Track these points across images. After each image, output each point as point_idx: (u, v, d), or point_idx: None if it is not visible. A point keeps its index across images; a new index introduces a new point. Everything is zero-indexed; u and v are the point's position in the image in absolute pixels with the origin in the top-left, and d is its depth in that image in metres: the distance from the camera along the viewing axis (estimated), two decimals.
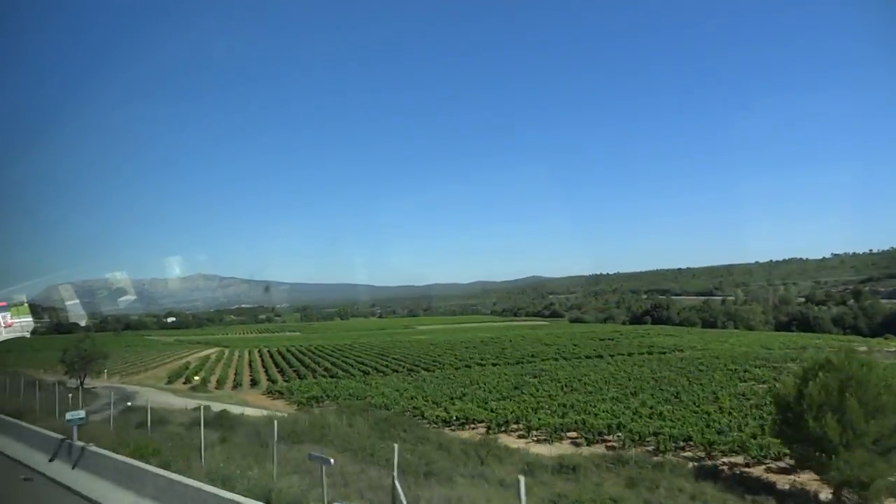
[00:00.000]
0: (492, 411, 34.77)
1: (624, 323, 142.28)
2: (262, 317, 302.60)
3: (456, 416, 33.95)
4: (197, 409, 38.83)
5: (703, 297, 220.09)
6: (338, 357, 77.61)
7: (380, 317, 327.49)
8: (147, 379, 65.01)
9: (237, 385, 57.55)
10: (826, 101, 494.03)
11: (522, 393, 41.38)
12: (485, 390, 43.23)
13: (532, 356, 68.61)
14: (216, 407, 42.04)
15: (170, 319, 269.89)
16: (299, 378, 57.73)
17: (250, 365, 73.50)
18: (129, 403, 36.87)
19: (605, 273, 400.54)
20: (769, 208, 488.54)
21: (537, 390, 42.06)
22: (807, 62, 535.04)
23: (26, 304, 69.68)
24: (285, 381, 58.63)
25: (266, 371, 65.12)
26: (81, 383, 53.78)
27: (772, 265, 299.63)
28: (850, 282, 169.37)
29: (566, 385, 44.20)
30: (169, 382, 62.35)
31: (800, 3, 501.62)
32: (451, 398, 40.42)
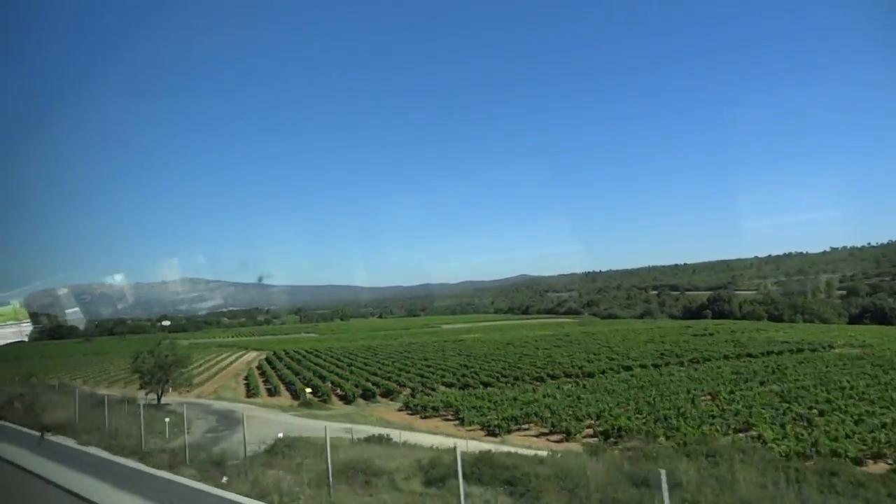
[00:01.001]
0: (834, 439, 23.80)
1: (674, 317, 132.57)
2: (261, 318, 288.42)
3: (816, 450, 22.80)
4: (376, 439, 27.24)
5: (713, 291, 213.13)
6: (423, 362, 65.69)
7: (380, 317, 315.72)
8: (223, 391, 52.14)
9: (348, 399, 45.17)
10: (814, 96, 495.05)
11: (804, 406, 30.45)
12: (740, 404, 32.12)
13: (661, 355, 58.21)
14: (370, 432, 30.47)
15: (164, 323, 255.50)
16: (426, 391, 45.81)
17: (329, 371, 60.90)
18: (280, 435, 24.80)
19: (599, 270, 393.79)
20: (762, 204, 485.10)
21: (830, 406, 31.03)
22: (803, 57, 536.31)
23: (23, 308, 60.90)
24: (399, 389, 46.80)
25: (370, 381, 52.58)
26: (159, 399, 41.57)
27: (771, 259, 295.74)
28: (885, 273, 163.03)
29: (850, 396, 33.38)
30: (251, 395, 49.87)
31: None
32: (713, 416, 29.35)
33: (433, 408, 37.14)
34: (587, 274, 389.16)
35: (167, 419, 30.24)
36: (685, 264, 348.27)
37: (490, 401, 37.03)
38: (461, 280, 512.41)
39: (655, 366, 52.11)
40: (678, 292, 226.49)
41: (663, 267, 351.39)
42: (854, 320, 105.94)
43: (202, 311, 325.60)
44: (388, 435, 27.40)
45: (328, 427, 33.49)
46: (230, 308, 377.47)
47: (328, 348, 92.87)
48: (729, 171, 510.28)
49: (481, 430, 32.32)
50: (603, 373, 49.87)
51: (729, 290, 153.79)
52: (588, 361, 55.83)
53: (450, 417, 36.15)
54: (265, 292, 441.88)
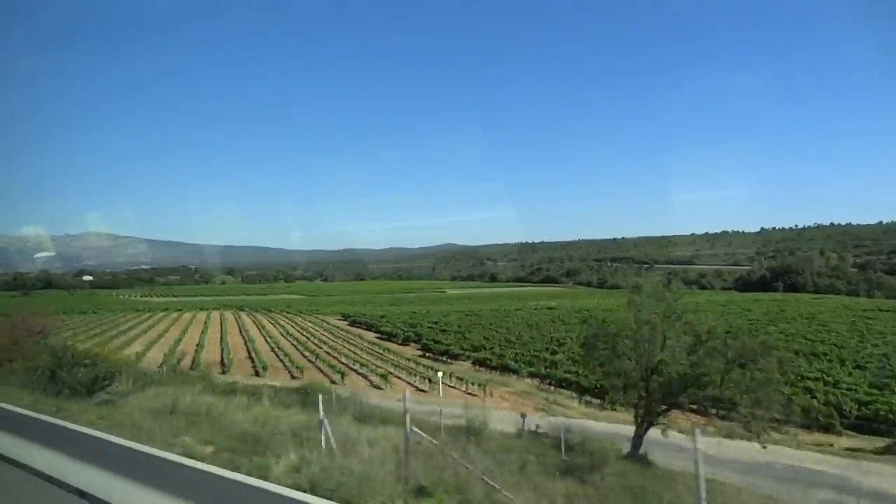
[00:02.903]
0: None
1: (731, 290, 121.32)
2: (198, 277, 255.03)
3: None
4: None
5: (681, 266, 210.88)
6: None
7: (324, 280, 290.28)
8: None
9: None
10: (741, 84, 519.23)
11: None
12: None
13: None
14: None
15: (86, 278, 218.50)
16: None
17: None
18: None
19: (534, 242, 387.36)
20: (686, 182, 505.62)
21: None
22: (734, 47, 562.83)
23: None
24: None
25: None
26: (638, 443, 15.30)
27: (710, 237, 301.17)
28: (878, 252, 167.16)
29: None
30: (474, 394, 30.01)
31: None
32: None
33: None
34: (525, 244, 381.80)
35: None
36: (623, 238, 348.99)
37: None
38: (387, 246, 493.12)
39: None
40: (647, 266, 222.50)
41: (601, 241, 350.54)
42: None
43: (125, 268, 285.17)
44: None
45: None
46: (151, 265, 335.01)
47: (395, 315, 72.87)
48: (660, 151, 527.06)
49: None
50: None
51: (800, 261, 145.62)
52: None
53: None
54: (196, 251, 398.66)
